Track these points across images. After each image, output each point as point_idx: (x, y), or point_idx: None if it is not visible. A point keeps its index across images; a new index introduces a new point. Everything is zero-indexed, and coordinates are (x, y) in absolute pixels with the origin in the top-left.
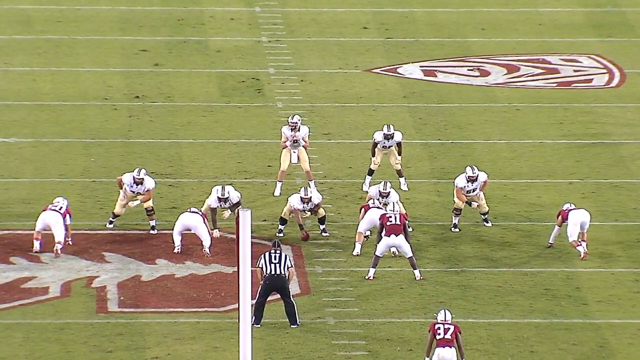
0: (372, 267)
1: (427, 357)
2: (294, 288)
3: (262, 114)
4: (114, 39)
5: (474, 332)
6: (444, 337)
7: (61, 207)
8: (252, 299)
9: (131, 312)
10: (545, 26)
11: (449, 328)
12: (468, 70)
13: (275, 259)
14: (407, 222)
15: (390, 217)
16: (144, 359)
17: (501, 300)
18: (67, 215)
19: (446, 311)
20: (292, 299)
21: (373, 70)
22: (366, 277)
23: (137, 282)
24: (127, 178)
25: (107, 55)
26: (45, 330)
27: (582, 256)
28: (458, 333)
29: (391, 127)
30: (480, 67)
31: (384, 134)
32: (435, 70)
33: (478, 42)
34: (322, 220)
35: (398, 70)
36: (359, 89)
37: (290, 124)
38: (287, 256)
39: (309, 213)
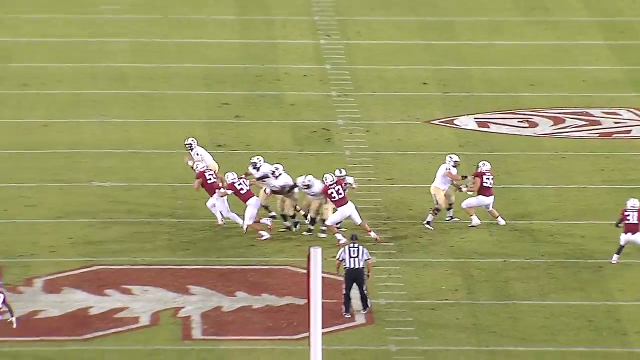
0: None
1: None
2: (359, 319)
3: (331, 161)
4: (199, 94)
5: (523, 359)
6: None
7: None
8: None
9: (213, 340)
10: (588, 82)
11: None
12: (518, 121)
13: (354, 253)
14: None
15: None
16: None
17: (548, 330)
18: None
19: None
20: (365, 290)
21: (432, 122)
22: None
23: (218, 312)
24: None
25: (192, 108)
26: (136, 356)
27: None
28: None
29: (343, 170)
30: (529, 119)
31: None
32: (489, 122)
33: (527, 97)
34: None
35: (454, 121)
36: (420, 139)
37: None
38: (364, 249)
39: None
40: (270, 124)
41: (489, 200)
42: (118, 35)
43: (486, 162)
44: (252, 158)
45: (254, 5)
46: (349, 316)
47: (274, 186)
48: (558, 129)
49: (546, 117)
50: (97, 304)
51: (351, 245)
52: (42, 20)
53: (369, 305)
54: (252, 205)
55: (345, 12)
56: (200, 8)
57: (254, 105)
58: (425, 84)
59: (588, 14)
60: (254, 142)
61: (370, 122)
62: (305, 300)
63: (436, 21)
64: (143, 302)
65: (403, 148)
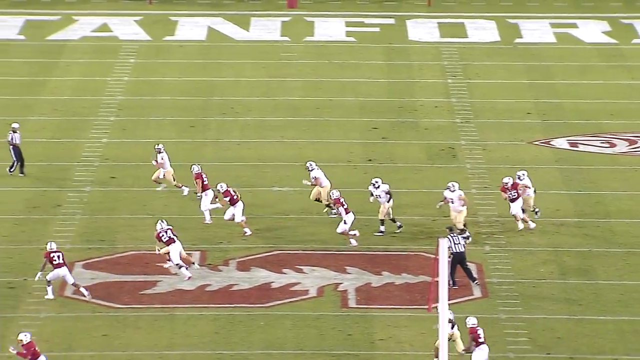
0: None
1: None
2: (476, 293)
3: (456, 172)
4: (355, 120)
5: (603, 326)
6: None
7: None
8: (449, 284)
9: (364, 308)
10: None
11: None
12: (601, 143)
13: (456, 241)
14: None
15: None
16: (373, 339)
17: (623, 304)
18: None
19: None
20: (467, 266)
21: (534, 143)
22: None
23: (368, 287)
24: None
25: (350, 131)
26: (306, 319)
27: None
28: None
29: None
30: (609, 141)
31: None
32: (578, 143)
33: (608, 124)
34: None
35: (551, 142)
36: (524, 156)
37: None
38: (461, 237)
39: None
40: (409, 143)
41: (519, 203)
42: (294, 76)
43: (510, 177)
44: (373, 179)
45: (398, 53)
46: (457, 287)
47: (378, 195)
48: (632, 148)
49: (622, 139)
50: (277, 279)
51: (451, 235)
52: (236, 65)
53: (476, 277)
54: (238, 207)
55: (467, 58)
56: (356, 55)
57: (397, 129)
58: (528, 113)
59: None
60: (396, 157)
61: (486, 143)
62: (435, 278)
63: (537, 65)
64: (312, 279)
65: (511, 163)
